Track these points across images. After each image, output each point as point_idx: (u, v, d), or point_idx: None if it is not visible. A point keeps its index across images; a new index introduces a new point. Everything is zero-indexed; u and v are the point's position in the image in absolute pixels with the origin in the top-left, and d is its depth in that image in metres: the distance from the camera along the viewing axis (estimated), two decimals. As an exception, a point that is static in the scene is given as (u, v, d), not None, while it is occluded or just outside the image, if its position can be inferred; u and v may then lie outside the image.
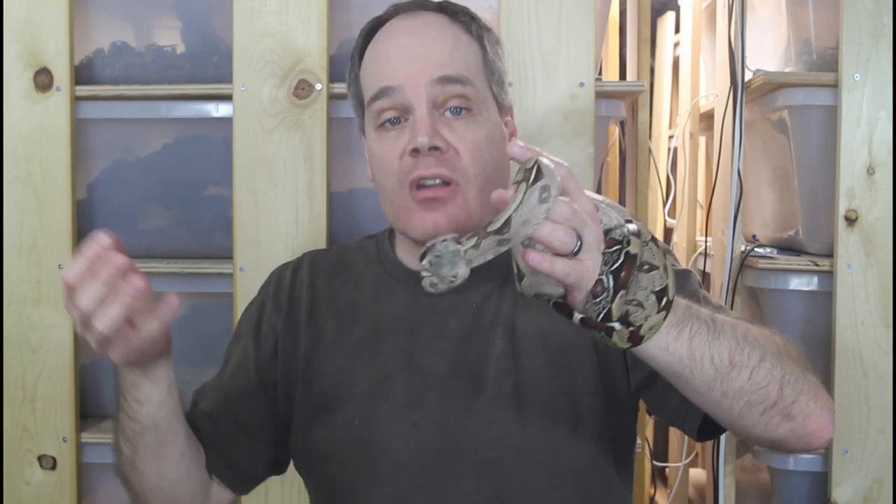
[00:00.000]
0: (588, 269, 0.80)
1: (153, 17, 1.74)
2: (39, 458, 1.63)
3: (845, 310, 1.56)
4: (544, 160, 0.80)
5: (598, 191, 1.97)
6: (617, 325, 0.82)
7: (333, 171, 1.62)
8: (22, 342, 1.62)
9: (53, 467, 1.63)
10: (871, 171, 1.55)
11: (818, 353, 1.62)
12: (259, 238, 1.58)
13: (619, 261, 0.81)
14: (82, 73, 1.67)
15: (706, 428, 1.00)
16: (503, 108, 1.13)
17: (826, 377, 1.59)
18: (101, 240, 0.86)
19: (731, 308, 1.69)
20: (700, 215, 2.23)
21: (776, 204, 1.83)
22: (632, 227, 0.84)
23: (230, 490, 1.14)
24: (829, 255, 1.59)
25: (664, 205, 2.36)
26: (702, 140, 2.29)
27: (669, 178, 2.36)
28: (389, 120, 1.07)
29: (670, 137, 2.42)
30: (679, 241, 2.35)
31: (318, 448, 1.11)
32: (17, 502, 1.63)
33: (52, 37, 1.60)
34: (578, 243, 0.80)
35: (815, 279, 1.62)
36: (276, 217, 1.58)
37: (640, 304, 0.83)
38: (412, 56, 1.07)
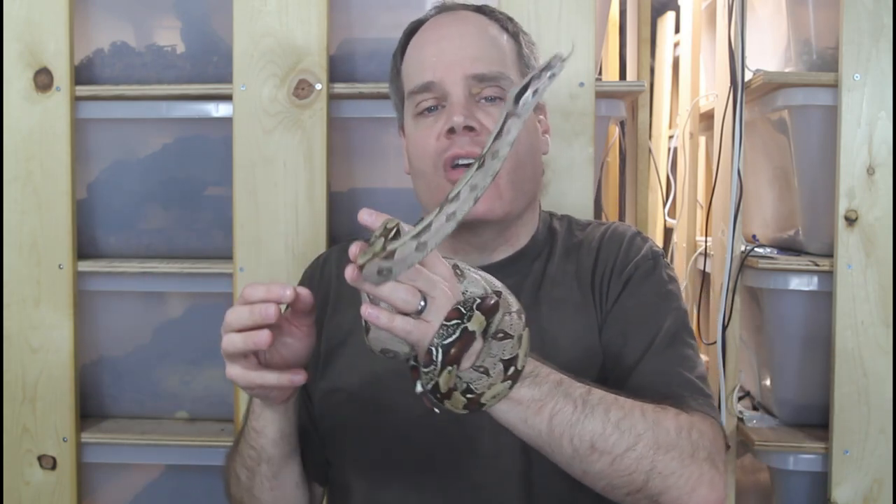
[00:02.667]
0: (434, 330, 0.81)
1: (153, 17, 1.74)
2: (39, 458, 1.63)
3: (845, 310, 1.56)
4: (404, 226, 0.82)
5: (598, 191, 1.97)
6: (447, 404, 0.82)
7: (333, 171, 1.62)
8: (22, 342, 1.62)
9: (53, 467, 1.63)
10: (871, 171, 1.55)
11: (818, 354, 1.62)
12: (259, 238, 1.58)
13: (454, 336, 0.80)
14: (82, 73, 1.67)
15: None
16: (536, 106, 1.15)
17: (826, 377, 1.59)
18: (277, 291, 0.90)
19: (731, 308, 1.69)
20: (700, 215, 2.23)
21: (776, 204, 1.83)
22: (489, 301, 0.83)
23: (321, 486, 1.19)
24: (829, 255, 1.59)
25: (664, 205, 2.36)
26: (702, 140, 2.29)
27: (669, 178, 2.36)
28: (428, 108, 1.12)
29: (670, 137, 2.42)
30: (679, 241, 2.35)
31: (327, 431, 1.13)
32: (17, 502, 1.63)
33: (52, 37, 1.60)
34: (422, 303, 0.81)
35: (815, 279, 1.61)
36: (276, 217, 1.58)
37: (486, 372, 0.83)
38: (450, 50, 1.12)
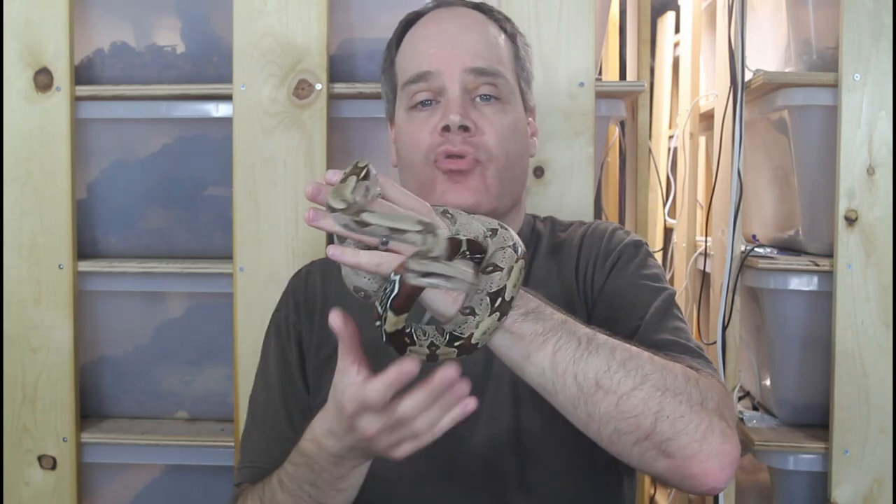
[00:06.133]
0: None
1: (153, 17, 1.74)
2: (39, 458, 1.63)
3: (845, 310, 1.56)
4: (372, 167, 0.81)
5: (598, 191, 1.97)
6: (427, 352, 0.80)
7: (333, 171, 1.62)
8: (22, 342, 1.62)
9: (53, 467, 1.63)
10: (871, 171, 1.55)
11: (818, 354, 1.62)
12: (259, 238, 1.58)
13: (394, 291, 0.77)
14: (82, 73, 1.67)
15: None
16: (527, 108, 1.19)
17: (826, 377, 1.59)
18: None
19: (731, 308, 1.69)
20: (700, 215, 2.23)
21: (776, 204, 1.83)
22: (439, 234, 0.79)
23: None
24: (829, 255, 1.59)
25: (664, 205, 2.36)
26: (702, 140, 2.29)
27: (669, 178, 2.36)
28: (422, 101, 1.13)
29: (670, 137, 2.42)
30: (679, 241, 2.35)
31: None
32: (17, 502, 1.63)
33: (52, 37, 1.60)
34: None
35: (815, 279, 1.61)
36: (276, 217, 1.58)
37: (472, 312, 0.80)
38: (450, 43, 1.13)
